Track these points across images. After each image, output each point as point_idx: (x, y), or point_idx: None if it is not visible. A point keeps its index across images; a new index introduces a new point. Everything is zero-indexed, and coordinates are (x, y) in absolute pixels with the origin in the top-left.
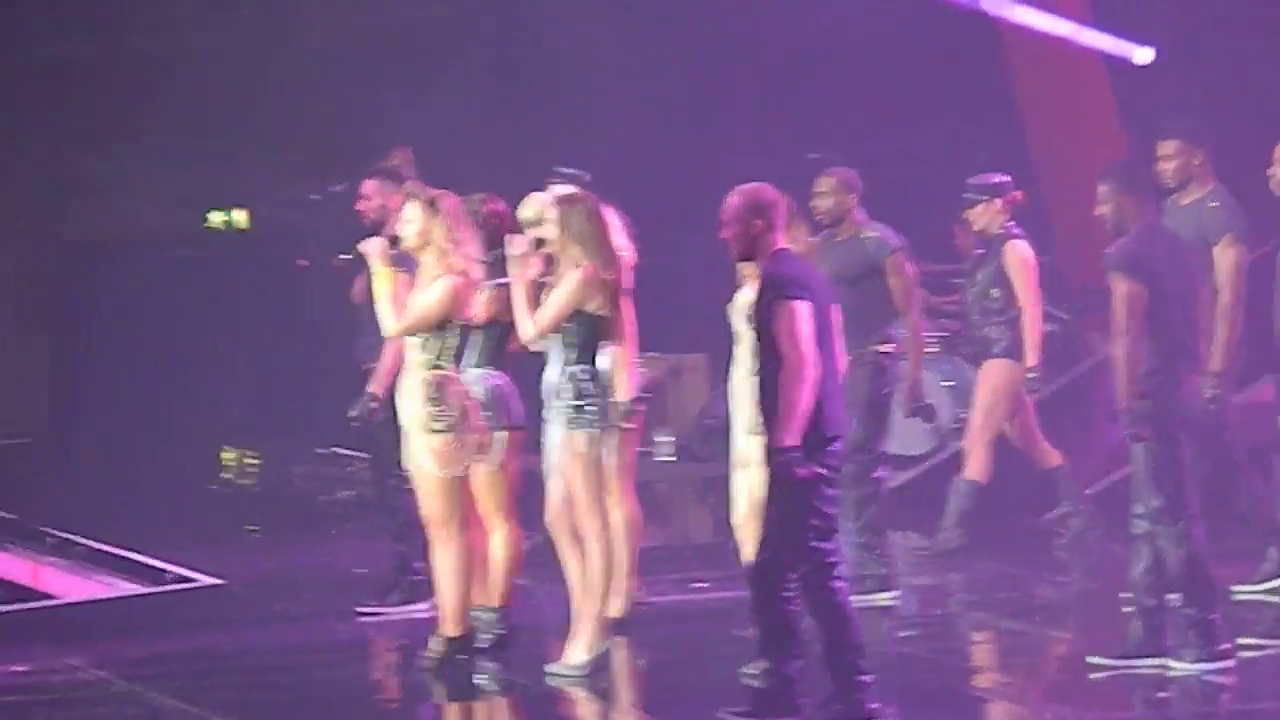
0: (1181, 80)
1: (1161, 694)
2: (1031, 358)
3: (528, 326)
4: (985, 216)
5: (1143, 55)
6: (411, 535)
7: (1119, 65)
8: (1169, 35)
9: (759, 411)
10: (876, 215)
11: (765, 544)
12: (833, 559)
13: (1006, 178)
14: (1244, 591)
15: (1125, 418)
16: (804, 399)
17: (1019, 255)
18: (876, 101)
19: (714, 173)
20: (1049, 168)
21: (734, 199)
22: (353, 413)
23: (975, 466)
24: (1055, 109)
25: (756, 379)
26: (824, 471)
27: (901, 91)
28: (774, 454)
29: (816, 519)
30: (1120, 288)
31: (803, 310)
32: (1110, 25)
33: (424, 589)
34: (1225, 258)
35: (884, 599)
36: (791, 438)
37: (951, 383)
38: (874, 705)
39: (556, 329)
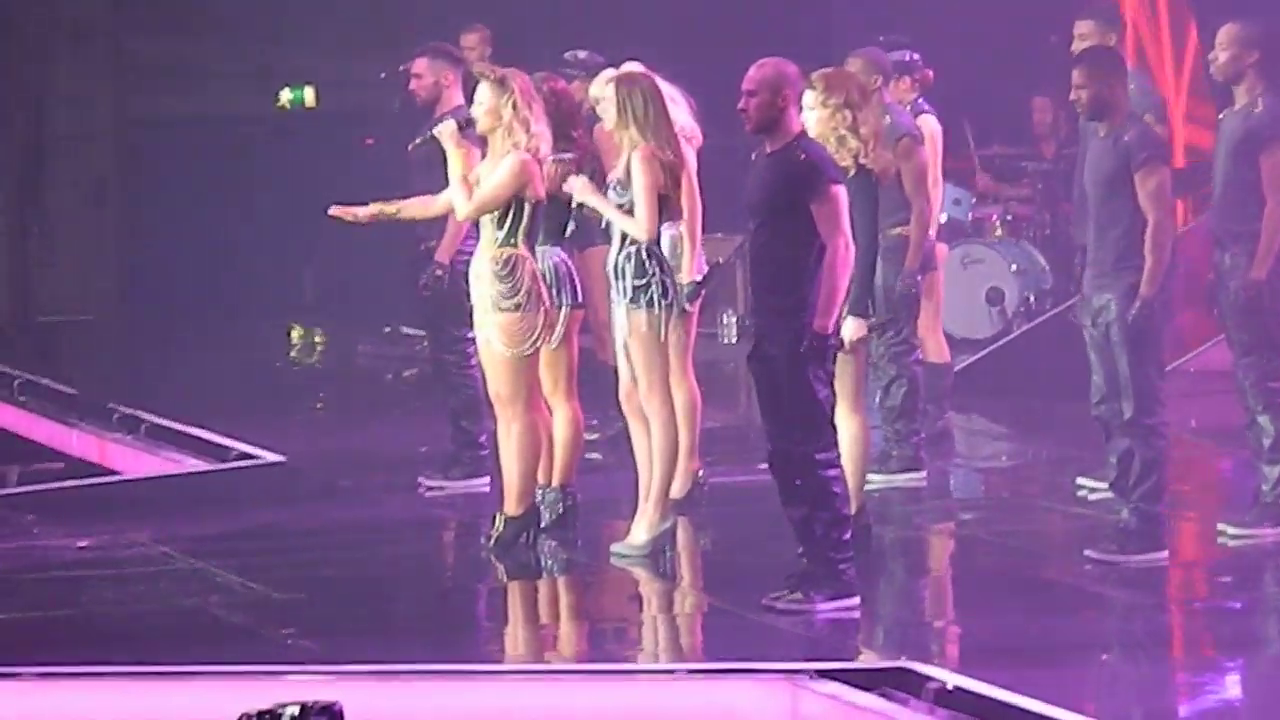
0: None
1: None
2: (917, 232)
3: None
4: (896, 93)
5: None
6: (474, 410)
7: None
8: None
9: (775, 288)
10: (944, 95)
11: (796, 434)
12: (834, 437)
13: (916, 54)
14: None
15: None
16: (844, 286)
17: (928, 130)
18: None
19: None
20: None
21: (761, 70)
22: (421, 281)
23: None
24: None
25: (770, 254)
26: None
27: None
28: (810, 336)
29: (829, 398)
30: (1165, 173)
31: (844, 196)
32: None
33: (485, 464)
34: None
35: (908, 479)
36: (830, 323)
37: (1018, 266)
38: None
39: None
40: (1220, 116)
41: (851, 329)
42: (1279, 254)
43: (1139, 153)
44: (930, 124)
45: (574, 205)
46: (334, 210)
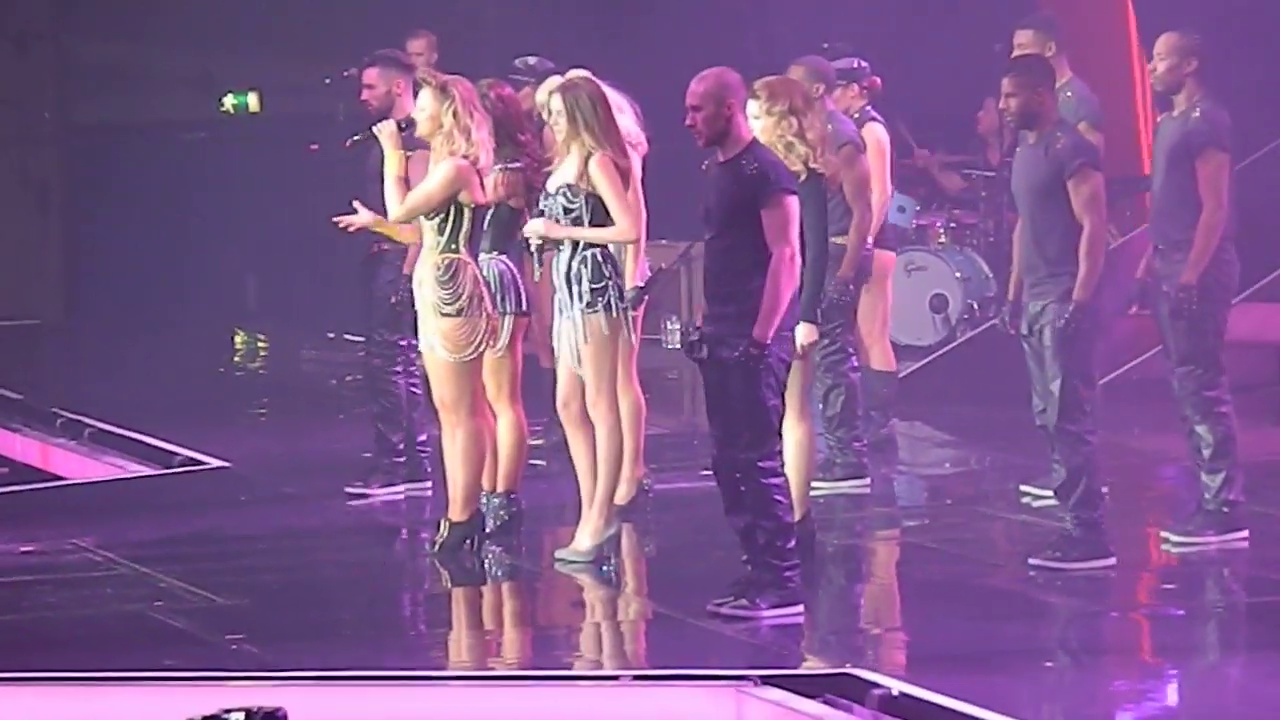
0: None
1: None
2: (854, 239)
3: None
4: (843, 101)
5: None
6: (393, 417)
7: None
8: None
9: (730, 296)
10: (894, 101)
11: (741, 440)
12: (779, 446)
13: (863, 62)
14: None
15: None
16: (786, 295)
17: (873, 138)
18: None
19: (729, 60)
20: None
21: (703, 83)
22: (394, 299)
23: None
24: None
25: (725, 262)
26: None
27: None
28: (750, 344)
29: (777, 408)
30: (1097, 179)
31: (794, 206)
32: None
33: (401, 471)
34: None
35: (852, 486)
36: (769, 331)
37: (961, 274)
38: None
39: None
40: (1158, 121)
41: (803, 334)
42: (1213, 259)
43: (1071, 160)
44: (877, 132)
45: (536, 245)
46: (338, 220)
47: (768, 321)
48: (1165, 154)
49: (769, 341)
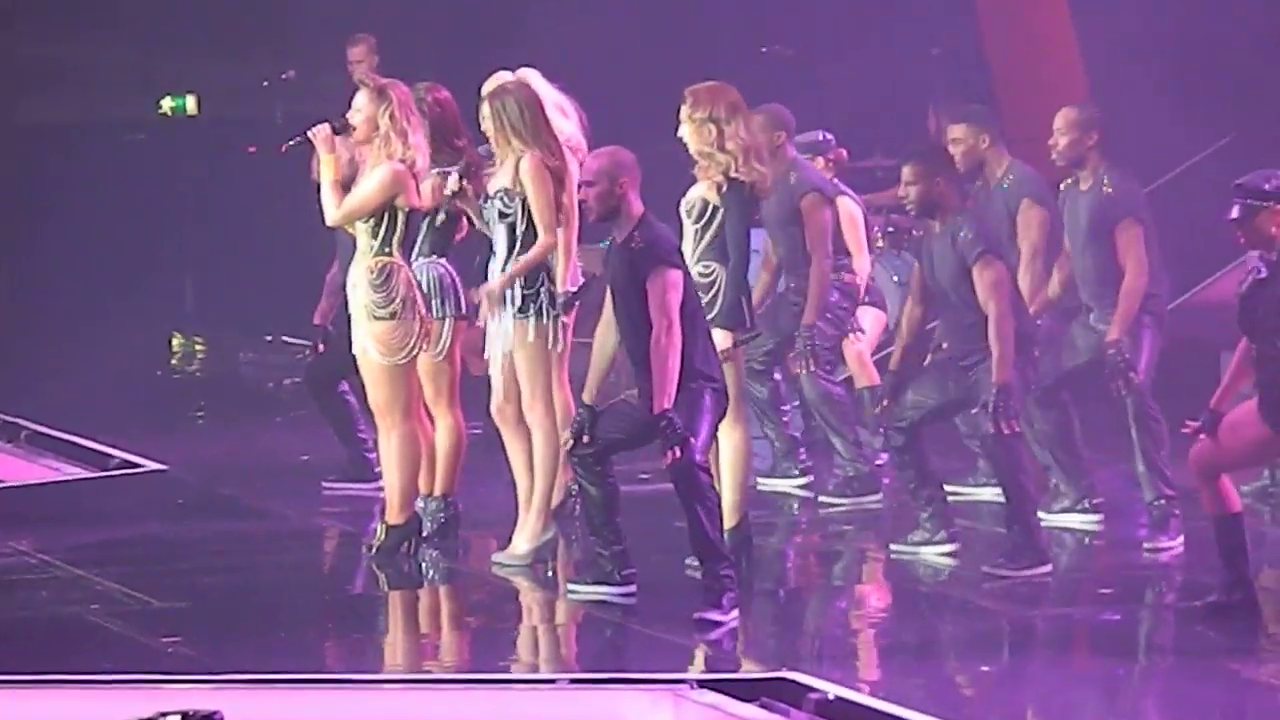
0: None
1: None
2: (809, 315)
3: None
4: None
5: None
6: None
7: None
8: None
9: (641, 369)
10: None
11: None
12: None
13: (829, 135)
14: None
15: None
16: (671, 367)
17: (846, 213)
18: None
19: (672, 67)
20: (1001, 63)
21: (597, 160)
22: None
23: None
24: (1016, 35)
25: (631, 337)
26: (693, 442)
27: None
28: (653, 420)
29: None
30: (999, 268)
31: (679, 280)
32: None
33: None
34: (1028, 221)
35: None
36: (665, 401)
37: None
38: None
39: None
40: (1061, 190)
41: (720, 339)
42: (1134, 320)
43: (972, 249)
44: (849, 206)
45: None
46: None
47: (662, 393)
48: (1084, 227)
49: (668, 410)
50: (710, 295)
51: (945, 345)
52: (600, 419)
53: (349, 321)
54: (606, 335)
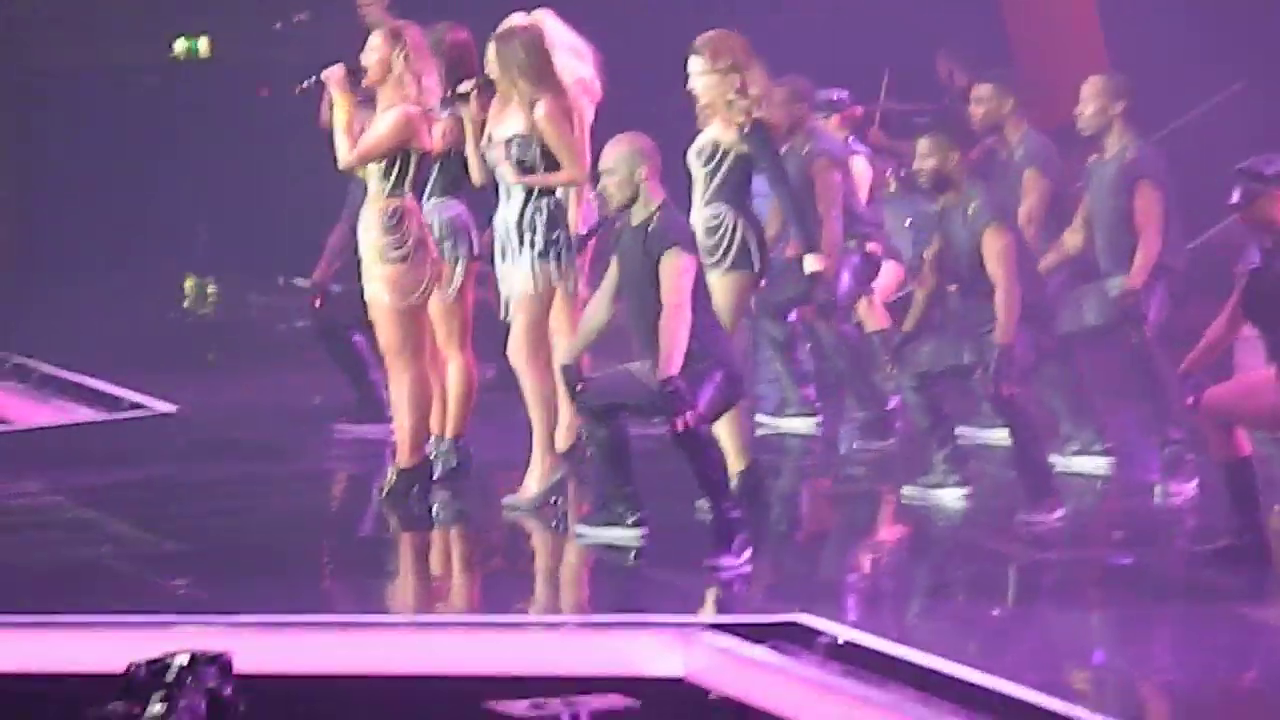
0: None
1: None
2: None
3: (474, 167)
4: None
5: None
6: None
7: None
8: None
9: (647, 352)
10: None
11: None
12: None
13: (844, 93)
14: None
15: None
16: (679, 342)
17: (857, 170)
18: None
19: (680, 11)
20: (1015, 10)
21: (616, 147)
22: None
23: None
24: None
25: (639, 322)
26: (699, 409)
27: None
28: (661, 384)
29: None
30: (1007, 237)
31: (692, 265)
32: None
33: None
34: (1029, 186)
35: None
36: (671, 368)
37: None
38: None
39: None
40: (1089, 163)
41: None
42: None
43: (980, 218)
44: (859, 165)
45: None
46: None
47: (669, 360)
48: (1108, 192)
49: (673, 375)
50: (718, 238)
51: (960, 310)
52: (612, 379)
53: (358, 272)
54: (599, 308)
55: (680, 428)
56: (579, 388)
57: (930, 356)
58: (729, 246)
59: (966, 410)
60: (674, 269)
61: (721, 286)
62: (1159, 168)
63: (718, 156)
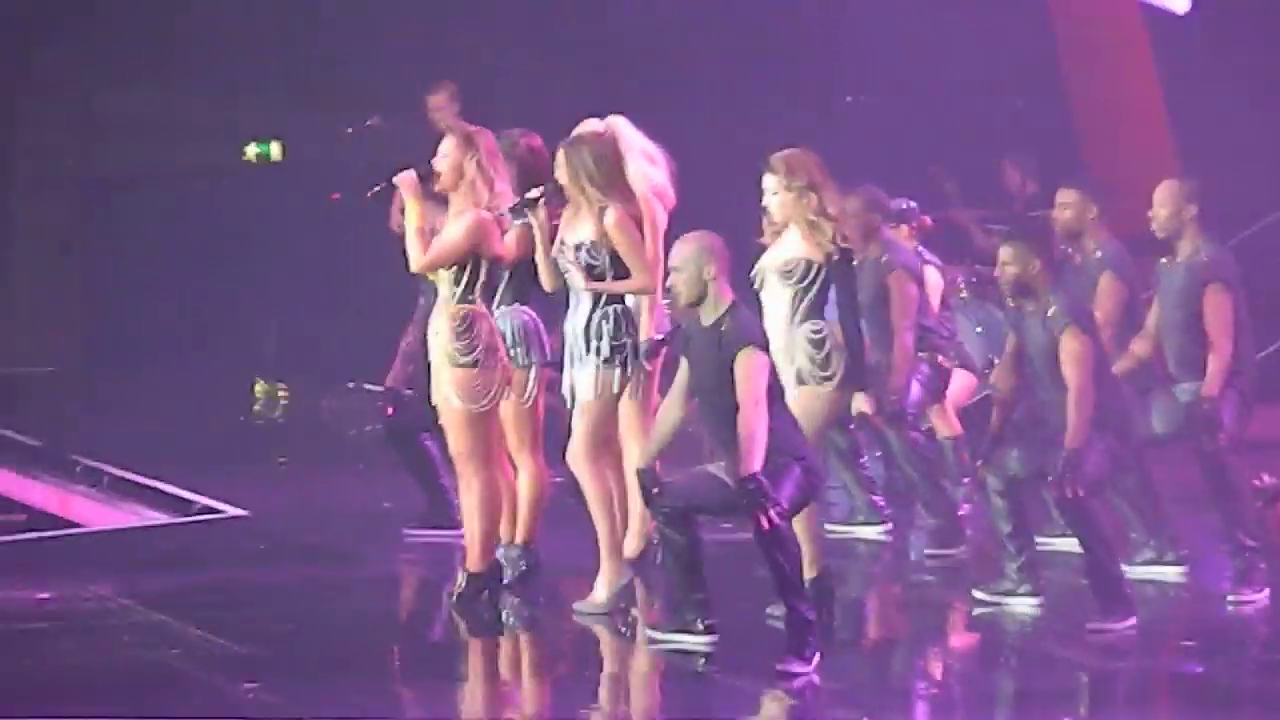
0: (1218, 33)
1: None
2: (898, 359)
3: (544, 273)
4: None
5: (1180, 4)
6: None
7: (1158, 15)
8: None
9: (721, 444)
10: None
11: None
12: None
13: (913, 202)
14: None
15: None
16: (757, 439)
17: (930, 281)
18: (923, 46)
19: (750, 122)
20: (1086, 117)
21: (685, 245)
22: None
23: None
24: (1093, 56)
25: (713, 422)
26: (782, 504)
27: (944, 36)
28: (738, 483)
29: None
30: (1084, 340)
31: (766, 363)
32: None
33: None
34: (1105, 290)
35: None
36: (752, 464)
37: (982, 328)
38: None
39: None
40: (1159, 266)
41: (860, 402)
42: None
43: (1059, 321)
44: (931, 275)
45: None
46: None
47: (749, 456)
48: (1174, 295)
49: (754, 473)
50: (824, 353)
51: (1041, 414)
52: (690, 481)
53: (429, 375)
54: (671, 409)
55: (765, 525)
56: (655, 490)
57: (1019, 461)
58: (832, 360)
59: (1039, 517)
60: (750, 367)
61: (826, 400)
62: (1231, 272)
63: (811, 274)
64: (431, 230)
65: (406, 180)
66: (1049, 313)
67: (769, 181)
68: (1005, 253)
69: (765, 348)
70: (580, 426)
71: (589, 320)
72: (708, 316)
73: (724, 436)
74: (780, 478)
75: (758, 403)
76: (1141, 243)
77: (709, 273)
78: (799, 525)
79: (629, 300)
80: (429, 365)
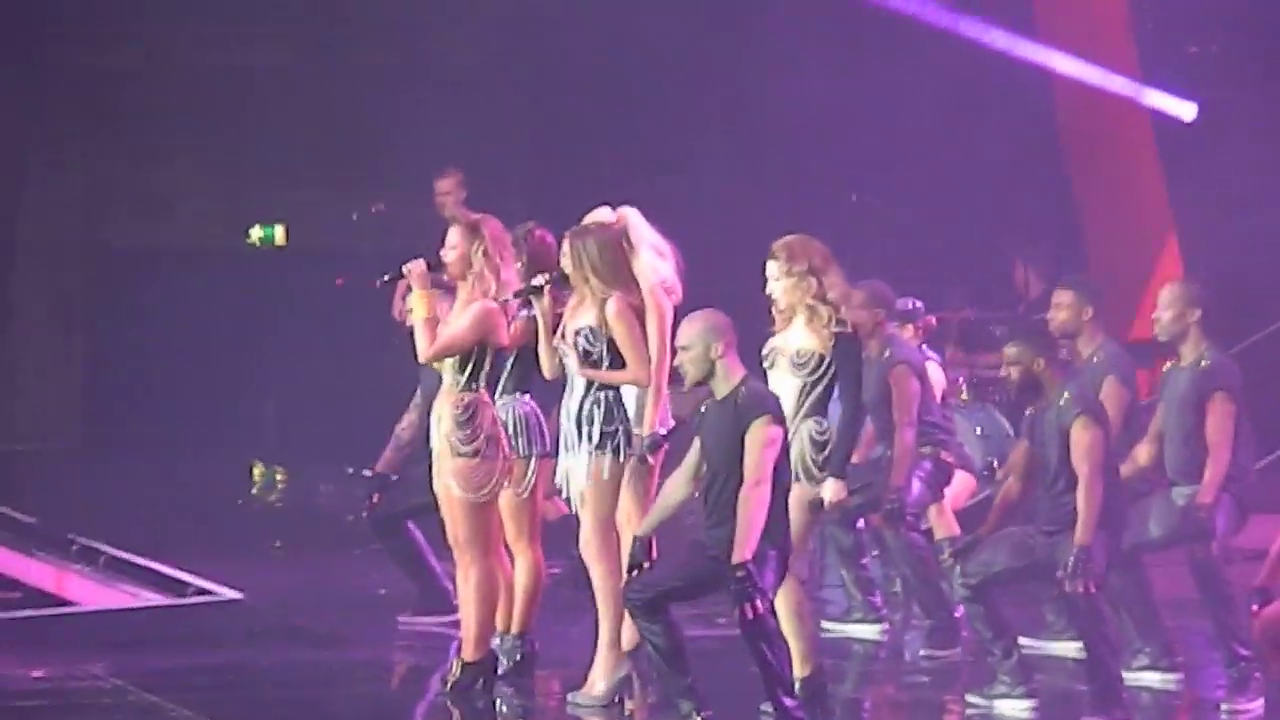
0: (1225, 137)
1: None
2: (896, 478)
3: (545, 360)
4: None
5: (1187, 111)
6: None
7: (1165, 121)
8: (1214, 90)
9: (714, 518)
10: (932, 256)
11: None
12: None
13: (919, 302)
14: None
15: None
16: (756, 521)
17: (934, 377)
18: (925, 147)
19: (758, 206)
20: (1093, 220)
21: (691, 324)
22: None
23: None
24: (1100, 160)
25: (720, 496)
26: (769, 594)
27: (946, 139)
28: (732, 569)
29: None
30: (1095, 433)
31: (779, 437)
32: (1158, 81)
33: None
34: (1108, 396)
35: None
36: (746, 553)
37: (982, 430)
38: None
39: (448, 356)
40: (1165, 369)
41: (831, 490)
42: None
43: (1070, 410)
44: (933, 372)
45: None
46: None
47: (744, 544)
48: (1177, 400)
49: (747, 562)
50: (824, 456)
51: (1036, 507)
52: (658, 564)
53: (424, 459)
54: (678, 485)
55: (750, 615)
56: (643, 564)
57: (984, 562)
58: (834, 454)
59: (1033, 622)
60: (761, 439)
61: (811, 501)
62: (1233, 379)
63: (821, 367)
64: (438, 317)
65: (416, 270)
66: (1061, 400)
67: (771, 268)
68: (1010, 352)
69: (780, 420)
70: (587, 517)
71: (580, 406)
72: (720, 391)
73: (723, 511)
74: (762, 566)
75: (762, 483)
76: (1143, 351)
77: (715, 351)
78: (792, 622)
79: (624, 390)
80: (429, 452)
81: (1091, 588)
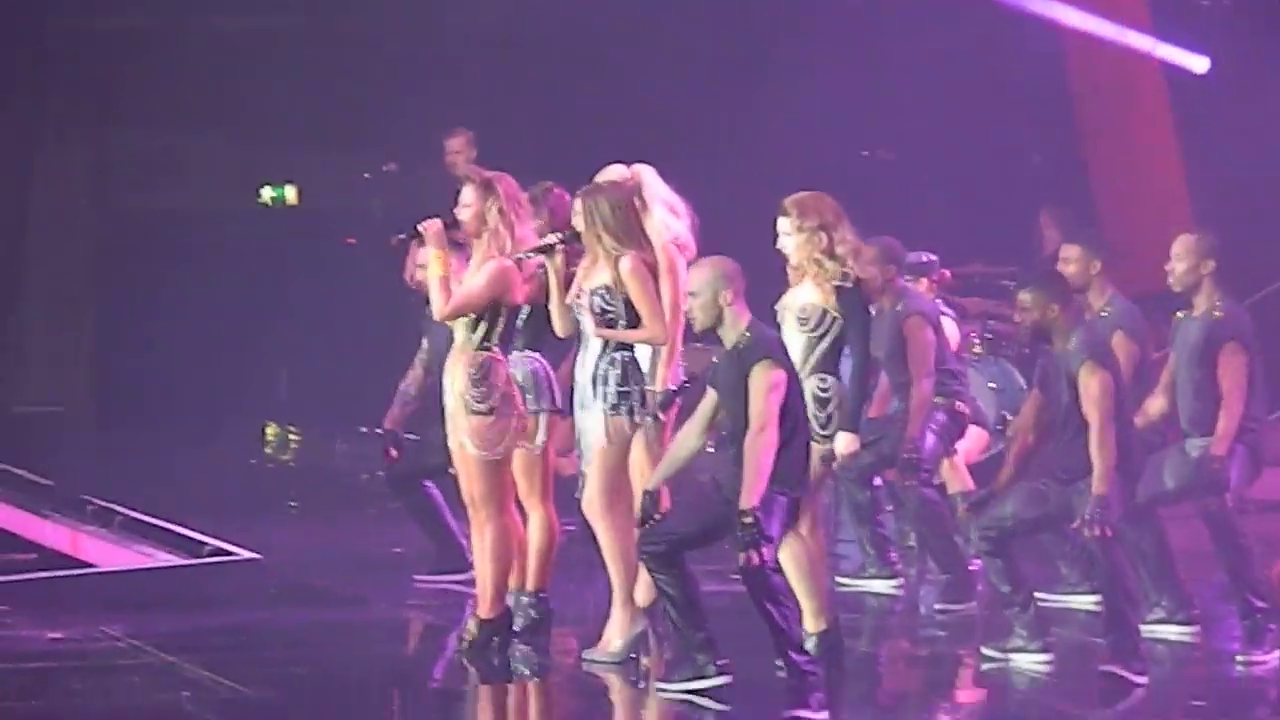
0: (1237, 91)
1: None
2: (912, 429)
3: (558, 318)
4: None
5: (1200, 64)
6: None
7: (1177, 74)
8: (1226, 44)
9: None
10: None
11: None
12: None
13: (933, 256)
14: None
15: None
16: (763, 465)
17: (947, 331)
18: (938, 98)
19: (769, 161)
20: (1102, 173)
21: (700, 271)
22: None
23: None
24: (1111, 114)
25: (734, 425)
26: (773, 538)
27: (959, 92)
28: (739, 515)
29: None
30: (1104, 377)
31: (782, 380)
32: (1169, 34)
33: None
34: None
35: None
36: (753, 499)
37: (995, 385)
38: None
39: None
40: (1177, 318)
41: (842, 443)
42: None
43: (1077, 357)
44: (948, 326)
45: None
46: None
47: (751, 490)
48: (1188, 350)
49: (754, 508)
50: (827, 413)
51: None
52: (673, 512)
53: (440, 420)
54: (690, 436)
55: (753, 562)
56: (654, 517)
57: (1003, 515)
58: (834, 421)
59: (1049, 577)
60: (764, 382)
61: (818, 455)
62: (1247, 330)
63: (825, 323)
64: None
65: (432, 229)
66: (1069, 346)
67: (782, 224)
68: (1024, 298)
69: (785, 363)
70: (593, 474)
71: (596, 367)
72: (728, 340)
73: (738, 455)
74: (769, 511)
75: (767, 427)
76: (1152, 303)
77: (725, 298)
78: (805, 579)
79: (638, 350)
80: (442, 410)
81: (1109, 532)
